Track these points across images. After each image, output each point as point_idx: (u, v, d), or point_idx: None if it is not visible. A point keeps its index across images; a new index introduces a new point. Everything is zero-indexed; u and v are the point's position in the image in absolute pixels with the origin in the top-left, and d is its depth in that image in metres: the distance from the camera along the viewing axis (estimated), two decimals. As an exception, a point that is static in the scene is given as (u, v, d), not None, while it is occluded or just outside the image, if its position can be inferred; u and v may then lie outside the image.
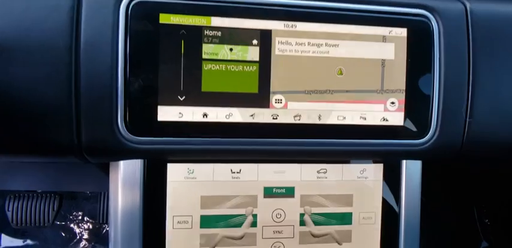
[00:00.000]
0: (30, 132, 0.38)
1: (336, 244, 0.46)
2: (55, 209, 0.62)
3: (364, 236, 0.46)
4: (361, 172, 0.46)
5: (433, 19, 0.43)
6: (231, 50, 0.40)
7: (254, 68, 0.40)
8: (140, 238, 0.42)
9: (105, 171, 0.45)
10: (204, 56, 0.39)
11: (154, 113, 0.39)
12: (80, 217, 0.83)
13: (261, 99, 0.41)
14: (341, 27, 0.41)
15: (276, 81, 0.41)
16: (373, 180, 0.46)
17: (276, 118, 0.41)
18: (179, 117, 0.40)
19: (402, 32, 0.42)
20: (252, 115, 0.41)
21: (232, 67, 0.40)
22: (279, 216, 0.45)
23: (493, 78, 0.44)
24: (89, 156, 0.40)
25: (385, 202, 0.46)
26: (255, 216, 0.44)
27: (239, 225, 0.44)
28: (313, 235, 0.45)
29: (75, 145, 0.39)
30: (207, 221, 0.43)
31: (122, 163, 0.42)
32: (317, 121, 0.42)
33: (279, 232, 0.45)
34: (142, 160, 0.42)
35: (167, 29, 0.39)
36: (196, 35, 0.39)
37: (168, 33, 0.39)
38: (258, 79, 0.40)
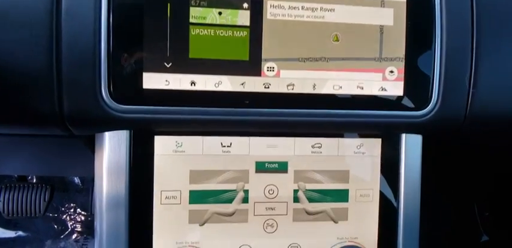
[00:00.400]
0: (8, 100, 0.37)
1: (332, 222, 0.44)
2: (46, 200, 0.62)
3: (361, 214, 0.44)
4: (358, 147, 0.44)
5: None
6: (220, 13, 0.38)
7: (244, 33, 0.38)
8: (127, 213, 0.41)
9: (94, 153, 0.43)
10: (191, 20, 0.38)
11: (140, 80, 0.38)
12: (72, 210, 0.83)
13: (252, 66, 0.39)
14: (337, -10, 0.39)
15: (267, 47, 0.39)
16: (371, 156, 0.44)
17: (268, 87, 0.39)
18: (165, 85, 0.38)
19: None
20: (242, 84, 0.39)
21: (222, 33, 0.38)
22: (271, 192, 0.43)
23: (498, 46, 0.42)
24: (71, 126, 0.39)
25: (383, 179, 0.44)
26: (246, 192, 0.42)
27: (230, 201, 0.42)
28: (308, 213, 0.43)
29: (57, 114, 0.37)
30: (196, 197, 0.42)
31: (106, 134, 0.40)
32: (311, 91, 0.40)
33: (272, 209, 0.43)
34: (128, 132, 0.40)
35: None
36: None
37: None
38: (248, 45, 0.39)
